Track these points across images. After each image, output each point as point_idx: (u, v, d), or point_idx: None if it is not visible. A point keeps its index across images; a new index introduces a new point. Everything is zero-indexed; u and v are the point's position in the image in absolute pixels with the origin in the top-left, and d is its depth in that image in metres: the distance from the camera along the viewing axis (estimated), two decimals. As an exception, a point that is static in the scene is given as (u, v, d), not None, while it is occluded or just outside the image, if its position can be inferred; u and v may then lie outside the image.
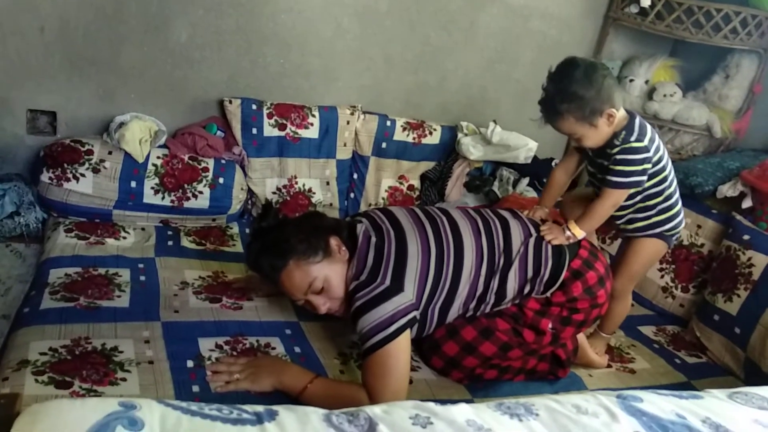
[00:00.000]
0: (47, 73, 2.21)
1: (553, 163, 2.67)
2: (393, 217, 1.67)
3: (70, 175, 2.12)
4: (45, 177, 2.11)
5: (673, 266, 2.37)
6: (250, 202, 2.43)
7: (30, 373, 1.36)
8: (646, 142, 1.62)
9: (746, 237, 2.14)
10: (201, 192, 2.25)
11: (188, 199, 2.24)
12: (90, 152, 2.15)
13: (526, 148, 2.59)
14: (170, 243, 2.12)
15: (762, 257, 2.05)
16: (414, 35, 2.63)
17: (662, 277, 2.38)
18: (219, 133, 2.37)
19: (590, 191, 1.85)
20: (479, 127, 2.66)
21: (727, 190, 2.29)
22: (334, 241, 1.63)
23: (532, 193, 2.60)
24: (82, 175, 2.12)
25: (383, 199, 2.68)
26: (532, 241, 1.67)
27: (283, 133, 2.45)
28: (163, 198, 2.21)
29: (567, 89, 1.56)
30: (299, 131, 2.47)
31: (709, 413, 1.15)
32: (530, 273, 1.64)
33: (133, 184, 2.18)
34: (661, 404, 1.16)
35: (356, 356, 1.69)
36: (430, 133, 2.69)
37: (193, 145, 2.28)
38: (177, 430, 0.86)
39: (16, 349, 1.45)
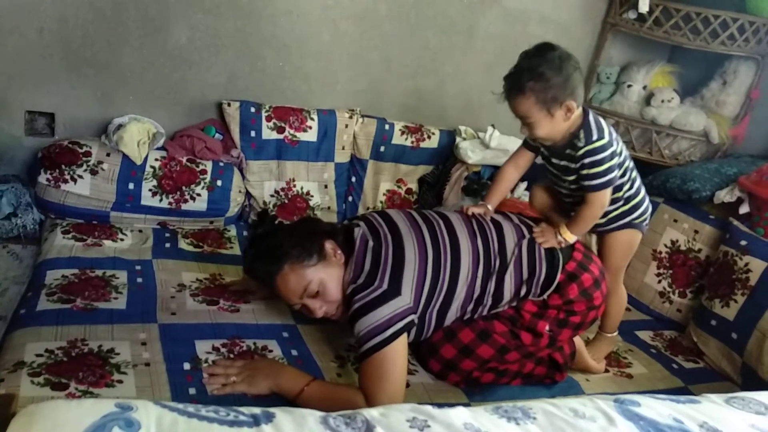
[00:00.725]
0: (46, 74, 2.21)
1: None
2: (390, 221, 1.67)
3: (67, 177, 2.11)
4: (42, 178, 2.11)
5: (671, 271, 2.37)
6: (248, 204, 2.43)
7: (26, 374, 1.36)
8: (606, 137, 1.62)
9: (743, 242, 2.14)
10: (199, 194, 2.25)
11: (186, 201, 2.23)
12: (88, 154, 2.15)
13: (524, 152, 2.59)
14: (168, 245, 2.12)
15: (759, 263, 2.06)
16: (413, 39, 2.64)
17: (659, 282, 2.39)
18: (217, 135, 2.37)
19: None
20: (477, 132, 2.66)
21: (725, 195, 2.30)
22: (329, 245, 1.63)
23: (529, 198, 2.60)
24: (80, 176, 2.12)
25: (381, 202, 2.68)
26: (525, 243, 1.67)
27: (281, 136, 2.45)
28: (160, 200, 2.21)
29: (537, 68, 1.54)
30: (298, 134, 2.47)
31: (707, 418, 1.16)
32: (525, 274, 1.64)
33: (131, 186, 2.17)
34: (658, 409, 1.16)
35: (353, 359, 1.69)
36: (429, 137, 2.69)
37: (191, 148, 2.28)
38: (173, 431, 0.86)
39: (12, 350, 1.45)
